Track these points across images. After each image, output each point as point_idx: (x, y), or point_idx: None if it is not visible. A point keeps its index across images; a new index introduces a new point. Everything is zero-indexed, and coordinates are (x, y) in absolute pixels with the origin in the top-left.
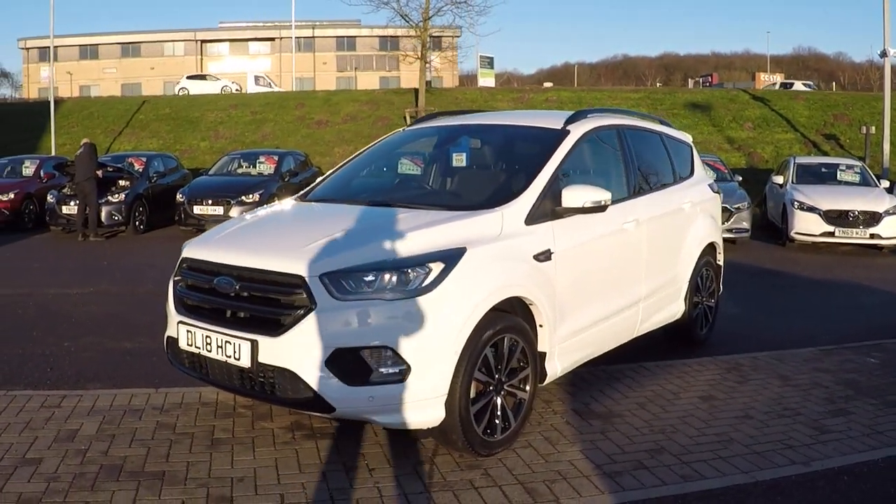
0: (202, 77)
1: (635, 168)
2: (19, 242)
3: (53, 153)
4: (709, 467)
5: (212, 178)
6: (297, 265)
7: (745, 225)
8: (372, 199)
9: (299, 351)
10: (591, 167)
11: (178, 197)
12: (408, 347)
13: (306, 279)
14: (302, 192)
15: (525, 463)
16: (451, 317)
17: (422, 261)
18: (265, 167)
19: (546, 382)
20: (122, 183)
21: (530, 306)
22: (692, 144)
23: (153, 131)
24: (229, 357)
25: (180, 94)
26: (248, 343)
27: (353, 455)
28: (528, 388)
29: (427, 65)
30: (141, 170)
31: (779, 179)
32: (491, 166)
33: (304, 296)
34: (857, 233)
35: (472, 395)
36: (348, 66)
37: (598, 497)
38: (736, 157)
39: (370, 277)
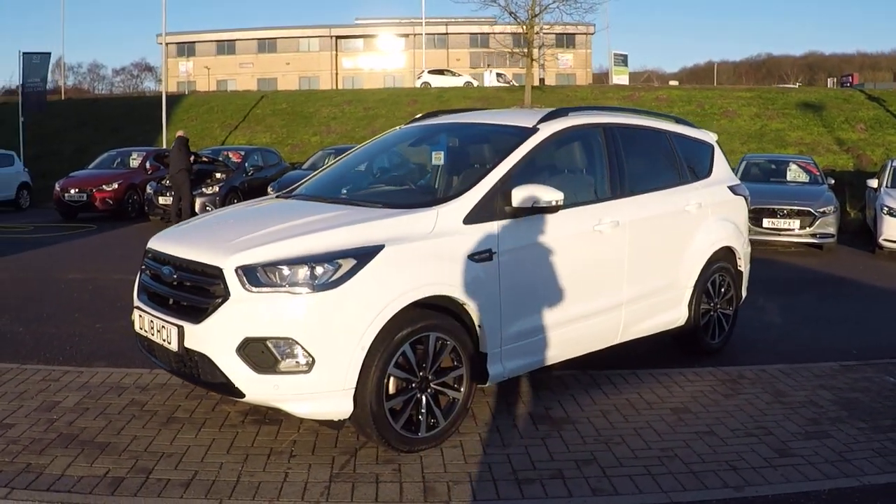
0: (441, 72)
1: (622, 168)
2: (118, 231)
3: (164, 146)
4: (630, 483)
5: (302, 173)
6: (219, 258)
7: (831, 230)
8: (333, 197)
9: (215, 338)
10: (563, 166)
11: (269, 190)
12: (313, 340)
13: (224, 271)
14: (289, 188)
15: (444, 462)
16: (358, 312)
17: (332, 257)
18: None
19: (490, 384)
20: (218, 175)
21: (464, 306)
22: (714, 144)
23: (267, 126)
24: (164, 341)
25: (422, 87)
26: (176, 329)
27: (285, 442)
28: (462, 388)
29: (533, 62)
30: (238, 163)
31: (873, 183)
32: (459, 165)
33: (222, 286)
34: None
35: (393, 390)
36: (481, 62)
37: (490, 503)
38: (844, 160)
39: (283, 271)
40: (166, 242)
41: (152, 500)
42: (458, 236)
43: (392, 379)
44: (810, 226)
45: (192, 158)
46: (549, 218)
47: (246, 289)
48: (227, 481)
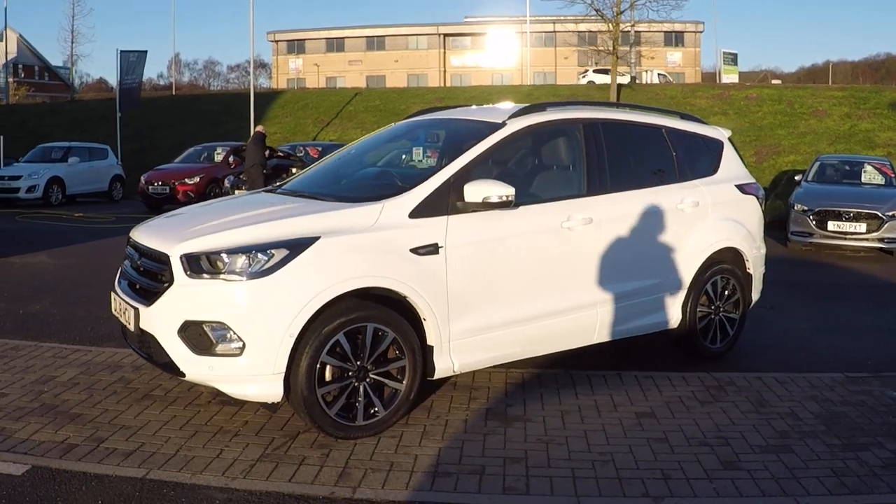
0: (605, 72)
1: (603, 164)
2: None
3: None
4: (546, 485)
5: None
6: (167, 246)
7: None
8: (300, 191)
9: (160, 319)
10: (531, 162)
11: None
12: (243, 325)
13: (170, 258)
14: (277, 184)
15: (374, 450)
16: (287, 300)
17: (266, 247)
18: (431, 161)
19: (439, 377)
20: (294, 170)
21: (406, 299)
22: (724, 141)
23: (359, 122)
24: (127, 322)
25: (587, 84)
26: (133, 311)
27: (238, 423)
28: (405, 379)
29: (619, 60)
30: (315, 158)
31: None
32: (428, 160)
33: (169, 272)
34: None
35: (329, 377)
36: (589, 61)
37: (393, 491)
38: None
39: (223, 259)
40: (141, 231)
41: (90, 466)
42: (402, 230)
43: (328, 366)
44: (878, 230)
45: (267, 153)
46: (507, 214)
47: (188, 275)
48: (164, 454)
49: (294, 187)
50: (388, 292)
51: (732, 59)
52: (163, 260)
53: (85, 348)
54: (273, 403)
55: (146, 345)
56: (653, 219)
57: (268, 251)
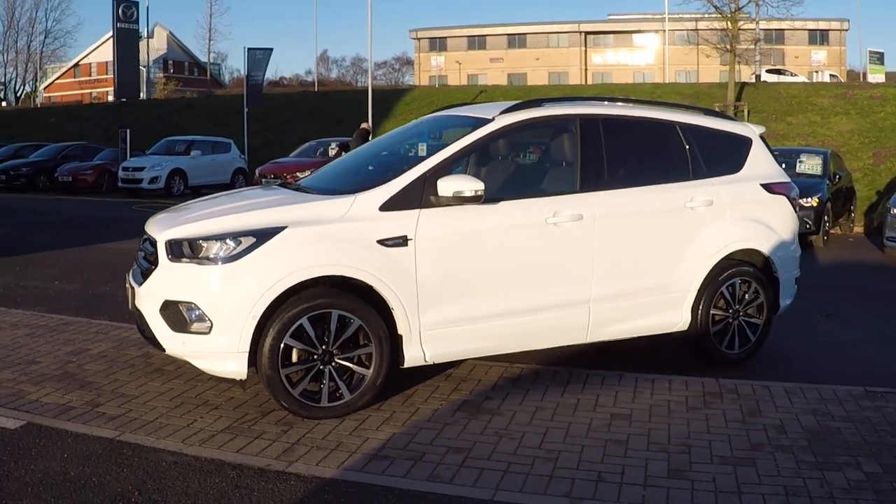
0: (779, 72)
1: (601, 160)
2: None
3: (371, 138)
4: (472, 475)
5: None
6: (158, 232)
7: None
8: (307, 186)
9: (147, 298)
10: (518, 157)
11: None
12: (212, 306)
13: (158, 243)
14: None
15: (331, 431)
16: (250, 285)
17: (237, 235)
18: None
19: (409, 366)
20: None
21: (373, 288)
22: (753, 138)
23: None
24: (129, 302)
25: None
26: (131, 290)
27: (224, 398)
28: (371, 365)
29: (737, 58)
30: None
31: None
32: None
33: (156, 256)
34: None
35: (295, 359)
36: (751, 58)
37: (323, 469)
38: None
39: (201, 245)
40: (150, 220)
41: (75, 425)
42: (371, 222)
43: (294, 349)
44: None
45: None
46: (485, 209)
47: (170, 259)
48: (143, 420)
49: (306, 181)
50: (352, 281)
51: (879, 58)
52: (154, 245)
53: (127, 326)
54: (241, 380)
55: (139, 321)
56: (655, 217)
57: (237, 239)
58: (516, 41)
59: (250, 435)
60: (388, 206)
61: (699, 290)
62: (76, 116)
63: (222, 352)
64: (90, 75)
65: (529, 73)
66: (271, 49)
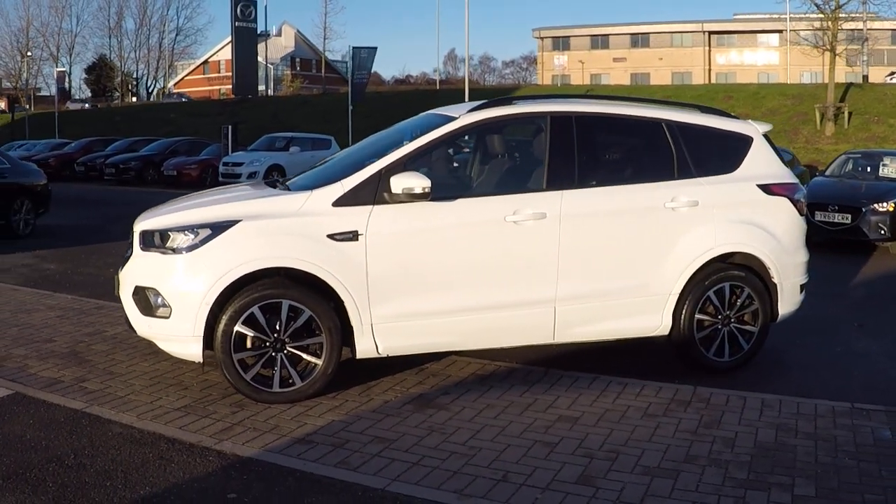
0: None
1: (571, 159)
2: None
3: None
4: (379, 465)
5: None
6: (137, 224)
7: None
8: (281, 184)
9: (123, 284)
10: (482, 155)
11: None
12: (170, 292)
13: (133, 233)
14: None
15: (276, 415)
16: (203, 274)
17: (195, 227)
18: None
19: (362, 357)
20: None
21: (323, 280)
22: (754, 136)
23: None
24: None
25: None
26: (116, 277)
27: (199, 380)
28: (322, 355)
29: (837, 57)
30: None
31: None
32: None
33: (132, 245)
34: None
35: (249, 345)
36: (858, 59)
37: (247, 448)
38: None
39: (168, 235)
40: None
41: (53, 397)
42: (323, 217)
43: (248, 336)
44: None
45: None
46: (439, 205)
47: (141, 248)
48: (114, 395)
49: (293, 179)
50: (300, 273)
51: None
52: (134, 236)
53: None
54: (199, 362)
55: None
56: (630, 217)
57: (195, 230)
58: (639, 41)
59: (201, 414)
60: (341, 202)
61: (682, 294)
62: (196, 112)
63: (180, 335)
64: (218, 72)
65: (652, 73)
66: (375, 48)
